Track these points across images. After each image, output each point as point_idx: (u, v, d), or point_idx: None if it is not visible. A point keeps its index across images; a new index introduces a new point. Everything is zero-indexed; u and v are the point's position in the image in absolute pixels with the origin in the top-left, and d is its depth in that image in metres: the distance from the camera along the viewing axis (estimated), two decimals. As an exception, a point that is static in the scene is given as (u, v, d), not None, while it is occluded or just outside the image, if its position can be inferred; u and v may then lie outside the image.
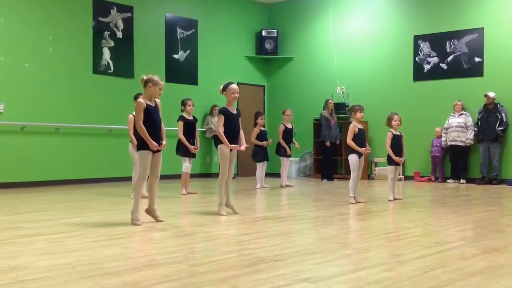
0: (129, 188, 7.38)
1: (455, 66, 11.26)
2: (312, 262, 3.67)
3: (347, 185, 7.65)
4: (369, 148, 7.39)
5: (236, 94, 6.01)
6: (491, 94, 10.47)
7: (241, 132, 6.15)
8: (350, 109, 7.59)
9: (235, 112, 6.06)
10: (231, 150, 5.98)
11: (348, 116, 11.82)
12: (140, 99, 5.35)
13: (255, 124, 9.86)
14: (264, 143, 9.79)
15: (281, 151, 10.16)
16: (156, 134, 5.34)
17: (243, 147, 6.12)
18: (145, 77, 5.41)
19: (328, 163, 11.88)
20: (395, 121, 7.60)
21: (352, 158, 7.20)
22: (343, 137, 11.62)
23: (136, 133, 5.41)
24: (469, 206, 7.10)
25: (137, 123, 5.27)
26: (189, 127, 8.28)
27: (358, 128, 7.24)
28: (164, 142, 5.43)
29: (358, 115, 7.28)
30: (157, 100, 5.45)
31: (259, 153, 9.83)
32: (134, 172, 7.37)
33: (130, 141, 7.41)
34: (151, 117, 5.32)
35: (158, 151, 5.35)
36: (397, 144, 7.60)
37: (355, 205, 7.05)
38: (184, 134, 8.20)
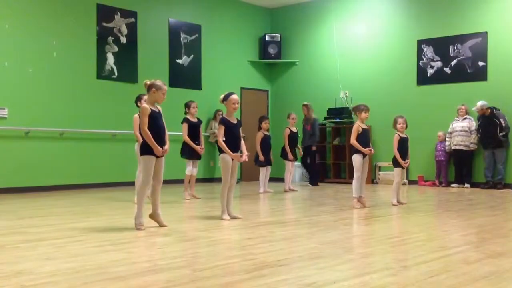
0: (133, 193, 7.38)
1: (459, 70, 11.24)
2: (316, 267, 3.67)
3: (350, 189, 7.62)
4: (373, 149, 7.38)
5: (237, 105, 6.01)
6: (478, 107, 10.39)
7: (242, 142, 6.14)
8: (355, 108, 7.54)
9: (235, 121, 6.05)
10: (232, 159, 5.97)
11: (350, 121, 11.86)
12: (145, 104, 5.36)
13: (259, 128, 9.81)
14: (261, 157, 9.68)
15: (286, 155, 10.15)
16: (160, 139, 5.34)
17: (245, 157, 6.07)
18: (148, 82, 5.42)
19: (308, 169, 11.78)
20: (399, 124, 7.59)
21: (356, 158, 7.19)
22: (346, 141, 11.61)
23: (141, 135, 5.41)
24: (473, 210, 7.08)
25: (142, 128, 5.27)
26: (194, 129, 8.31)
27: (362, 128, 7.22)
28: (166, 147, 5.39)
29: (363, 115, 7.25)
30: (159, 107, 5.46)
31: None
32: (138, 171, 7.37)
33: (136, 141, 7.40)
34: (155, 122, 5.32)
35: (162, 155, 5.36)
36: (403, 147, 7.60)
37: (358, 209, 7.04)
38: (188, 136, 8.21)
